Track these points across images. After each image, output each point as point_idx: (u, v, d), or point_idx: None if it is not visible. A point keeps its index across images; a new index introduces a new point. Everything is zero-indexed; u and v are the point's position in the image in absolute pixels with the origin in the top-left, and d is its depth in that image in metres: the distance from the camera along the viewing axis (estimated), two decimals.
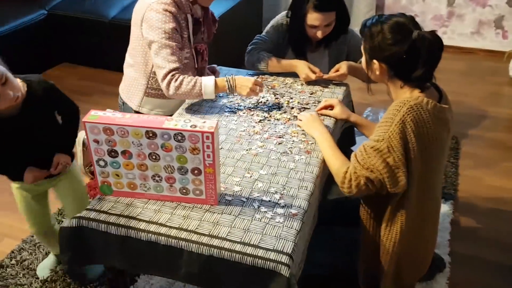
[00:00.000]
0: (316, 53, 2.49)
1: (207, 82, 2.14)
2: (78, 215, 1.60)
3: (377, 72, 1.72)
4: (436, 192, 1.82)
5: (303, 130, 2.02)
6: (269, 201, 1.64)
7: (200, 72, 2.30)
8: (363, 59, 1.80)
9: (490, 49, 4.38)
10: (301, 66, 2.35)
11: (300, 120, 2.00)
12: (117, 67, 4.15)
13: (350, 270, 2.01)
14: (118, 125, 1.49)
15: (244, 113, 2.16)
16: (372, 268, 1.88)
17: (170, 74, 2.09)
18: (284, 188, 1.70)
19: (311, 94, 2.32)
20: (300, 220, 1.56)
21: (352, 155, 1.67)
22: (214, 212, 1.59)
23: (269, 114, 2.14)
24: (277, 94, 2.30)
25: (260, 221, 1.55)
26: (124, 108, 2.39)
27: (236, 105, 2.23)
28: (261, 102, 2.23)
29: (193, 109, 2.21)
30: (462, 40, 4.47)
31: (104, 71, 4.13)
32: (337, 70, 2.35)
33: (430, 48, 1.60)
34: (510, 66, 3.94)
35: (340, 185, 1.68)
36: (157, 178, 1.60)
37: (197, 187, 1.59)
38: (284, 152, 1.89)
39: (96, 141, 1.54)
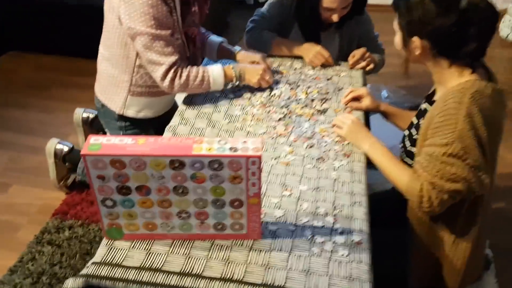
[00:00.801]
0: (325, 34, 2.15)
1: (216, 74, 1.79)
2: (85, 271, 1.23)
3: (417, 52, 1.43)
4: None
5: (332, 126, 1.70)
6: (323, 226, 1.33)
7: (193, 61, 1.91)
8: (397, 38, 1.49)
9: None
10: (313, 51, 2.02)
11: (339, 127, 1.66)
12: (79, 52, 3.69)
13: (395, 274, 1.74)
14: (131, 155, 1.12)
15: (258, 110, 1.81)
16: (429, 281, 1.62)
17: (172, 70, 1.72)
18: (335, 208, 1.39)
19: (328, 80, 1.99)
20: (367, 249, 1.27)
21: (418, 167, 1.37)
22: (261, 250, 1.26)
23: (288, 109, 1.80)
24: (291, 84, 1.95)
25: (319, 256, 1.24)
26: (104, 112, 1.98)
27: (246, 99, 1.87)
28: (274, 95, 1.88)
29: (194, 107, 1.84)
30: None
31: (64, 59, 3.57)
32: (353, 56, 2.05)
33: (483, 18, 1.33)
34: (501, 26, 3.73)
35: (417, 205, 1.37)
36: (183, 215, 1.24)
37: (237, 221, 1.26)
38: (319, 158, 1.57)
39: (101, 178, 1.17)
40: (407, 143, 1.57)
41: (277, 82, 1.96)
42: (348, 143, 1.63)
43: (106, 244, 1.29)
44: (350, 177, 1.49)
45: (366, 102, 1.79)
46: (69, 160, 2.26)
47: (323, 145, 1.63)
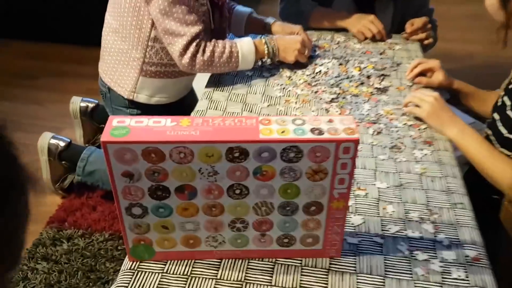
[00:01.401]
0: (379, 3, 1.80)
1: (246, 49, 1.45)
2: None
3: None
4: None
5: (400, 108, 1.37)
6: (421, 238, 0.99)
7: (218, 35, 1.56)
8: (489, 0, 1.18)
9: None
10: (362, 15, 1.68)
11: (417, 105, 1.32)
12: (71, 38, 3.28)
13: None
14: (174, 142, 0.78)
15: (302, 90, 1.46)
16: None
17: (194, 43, 1.39)
18: (431, 211, 1.05)
19: (381, 54, 1.66)
20: (489, 268, 0.93)
21: None
22: (344, 272, 0.92)
23: (340, 88, 1.46)
24: (339, 58, 1.61)
25: (427, 280, 0.90)
26: (111, 97, 1.63)
27: (285, 78, 1.53)
28: (320, 72, 1.54)
29: (223, 88, 1.49)
30: None
31: (54, 46, 3.16)
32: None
33: None
34: None
35: None
36: (239, 226, 0.90)
37: (311, 233, 0.91)
38: (394, 147, 1.24)
39: (129, 176, 0.82)
40: (503, 129, 1.23)
41: (319, 57, 1.62)
42: (426, 127, 1.30)
43: (131, 268, 0.94)
44: (440, 171, 1.16)
45: (438, 77, 1.45)
46: (66, 158, 1.89)
47: (394, 130, 1.29)
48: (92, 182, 1.85)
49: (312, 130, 0.80)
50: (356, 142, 0.78)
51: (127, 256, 0.95)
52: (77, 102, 2.09)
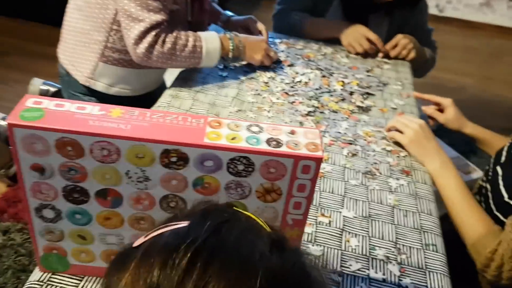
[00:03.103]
0: (373, 18, 1.68)
1: (211, 45, 1.32)
2: None
3: None
4: None
5: (380, 131, 1.24)
6: (384, 280, 0.85)
7: (195, 28, 1.42)
8: None
9: (500, 25, 3.76)
10: (356, 27, 1.56)
11: (399, 131, 1.19)
12: (45, 18, 3.11)
13: None
14: (95, 134, 0.63)
15: (278, 98, 1.33)
16: None
17: (153, 32, 1.24)
18: (399, 249, 0.91)
19: (368, 71, 1.53)
20: None
21: (509, 226, 0.93)
22: None
23: (319, 102, 1.33)
24: (322, 70, 1.48)
25: None
26: (69, 81, 1.47)
27: (261, 83, 1.40)
28: (301, 81, 1.41)
29: (191, 86, 1.35)
30: (469, 12, 3.81)
31: (26, 23, 2.99)
32: (396, 45, 1.60)
33: None
34: None
35: (479, 266, 0.96)
36: None
37: None
38: (367, 172, 1.10)
39: (39, 169, 0.67)
40: (504, 191, 1.08)
41: (301, 65, 1.49)
42: (405, 155, 1.17)
43: (40, 280, 0.78)
44: (414, 205, 1.03)
45: (448, 115, 1.31)
46: None
47: (371, 154, 1.16)
48: None
49: (269, 141, 0.65)
50: (318, 161, 0.64)
51: (37, 266, 0.80)
52: (37, 85, 1.92)
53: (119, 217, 0.72)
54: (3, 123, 1.71)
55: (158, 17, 1.24)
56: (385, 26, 1.68)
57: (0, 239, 1.58)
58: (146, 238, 0.45)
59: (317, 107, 1.30)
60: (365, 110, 1.33)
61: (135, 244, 0.46)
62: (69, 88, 1.48)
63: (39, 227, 0.73)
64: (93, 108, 0.67)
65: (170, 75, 1.61)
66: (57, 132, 0.63)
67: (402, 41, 1.60)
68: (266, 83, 1.39)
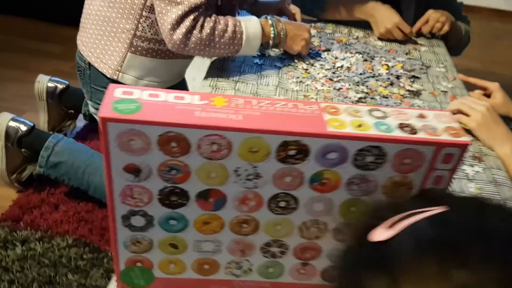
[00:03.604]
0: None
1: (251, 31, 1.22)
2: None
3: None
4: None
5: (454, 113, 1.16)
6: None
7: (224, 13, 1.32)
8: None
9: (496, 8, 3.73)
10: (388, 15, 1.48)
11: (465, 113, 1.10)
12: (40, 14, 2.92)
13: None
14: (205, 127, 0.54)
15: (323, 85, 1.24)
16: None
17: (192, 16, 1.14)
18: None
19: (407, 54, 1.46)
20: None
21: None
22: None
23: (367, 87, 1.25)
24: (361, 53, 1.40)
25: None
26: (91, 75, 1.36)
27: (300, 69, 1.31)
28: (342, 67, 1.32)
29: (228, 76, 1.25)
30: None
31: (20, 19, 2.81)
32: (427, 21, 1.54)
33: None
34: None
35: None
36: (274, 250, 0.66)
37: None
38: None
39: (134, 171, 0.57)
40: None
41: (338, 50, 1.40)
42: (472, 140, 1.10)
43: None
44: (497, 193, 0.96)
45: (496, 99, 1.24)
46: (26, 145, 1.60)
47: None
48: (56, 176, 1.56)
49: (401, 127, 0.57)
50: (464, 148, 0.56)
51: (114, 281, 0.70)
52: (44, 82, 1.80)
53: (219, 221, 0.62)
54: (13, 124, 1.58)
55: (195, 1, 1.14)
56: (413, 6, 1.60)
57: (19, 249, 1.46)
58: (394, 231, 0.38)
59: (367, 93, 1.22)
60: (416, 94, 1.26)
61: (376, 238, 0.38)
62: (91, 82, 1.37)
63: (125, 237, 0.63)
64: (192, 98, 0.57)
65: (189, 71, 1.52)
66: (161, 126, 0.53)
67: (433, 15, 1.53)
68: (306, 69, 1.31)
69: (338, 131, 0.56)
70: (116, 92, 0.56)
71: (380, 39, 1.52)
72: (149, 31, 1.26)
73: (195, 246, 0.65)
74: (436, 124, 0.58)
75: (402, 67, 1.35)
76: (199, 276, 0.68)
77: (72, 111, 1.88)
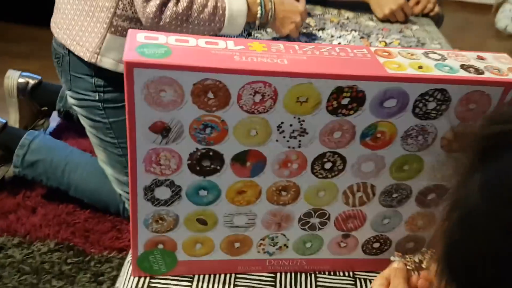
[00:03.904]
0: None
1: (235, 7, 1.12)
2: None
3: None
4: None
5: None
6: None
7: None
8: None
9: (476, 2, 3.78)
10: (394, 3, 1.44)
11: None
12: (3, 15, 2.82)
13: None
14: (249, 72, 0.46)
15: None
16: None
17: None
18: None
19: (400, 32, 1.41)
20: None
21: None
22: None
23: None
24: (358, 31, 1.34)
25: None
26: (70, 61, 1.25)
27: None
28: (339, 44, 1.26)
29: None
30: None
31: None
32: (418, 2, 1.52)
33: None
34: (497, 17, 3.41)
35: None
36: (314, 221, 0.58)
37: (414, 234, 0.62)
38: None
39: (161, 129, 0.48)
40: None
41: (333, 29, 1.34)
42: None
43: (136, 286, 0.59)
44: None
45: None
46: None
47: None
48: (33, 176, 1.43)
49: (464, 68, 0.51)
50: None
51: (128, 268, 0.60)
52: (14, 77, 1.67)
53: (256, 188, 0.54)
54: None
55: None
56: None
57: None
58: None
59: None
60: None
61: None
62: (70, 69, 1.25)
63: (146, 213, 0.54)
64: (226, 43, 0.49)
65: None
66: (197, 72, 0.45)
67: None
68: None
69: (400, 73, 0.49)
70: (138, 36, 0.48)
71: (371, 18, 1.47)
72: (130, 9, 1.16)
73: (226, 220, 0.56)
74: (498, 65, 0.52)
75: (399, 44, 1.30)
76: (227, 257, 0.60)
77: (46, 108, 1.75)
